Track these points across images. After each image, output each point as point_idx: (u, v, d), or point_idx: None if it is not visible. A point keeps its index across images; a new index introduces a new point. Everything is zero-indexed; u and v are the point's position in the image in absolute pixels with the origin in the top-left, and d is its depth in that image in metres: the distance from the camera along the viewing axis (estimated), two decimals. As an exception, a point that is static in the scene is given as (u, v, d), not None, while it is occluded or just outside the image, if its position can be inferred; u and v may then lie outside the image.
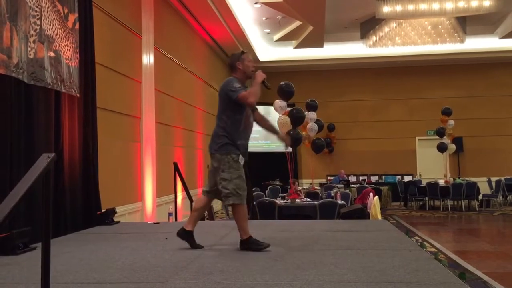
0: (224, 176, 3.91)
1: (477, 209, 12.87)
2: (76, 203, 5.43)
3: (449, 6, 10.99)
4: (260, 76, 4.07)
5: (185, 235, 4.08)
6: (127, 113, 7.35)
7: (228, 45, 13.11)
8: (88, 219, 5.60)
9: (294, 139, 7.95)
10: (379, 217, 6.96)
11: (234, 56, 4.18)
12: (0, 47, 4.11)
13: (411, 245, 4.18)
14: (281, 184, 12.22)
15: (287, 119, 7.88)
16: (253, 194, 8.31)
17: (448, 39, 13.21)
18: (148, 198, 7.78)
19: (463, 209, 12.74)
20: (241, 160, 3.98)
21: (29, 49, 4.55)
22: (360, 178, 15.34)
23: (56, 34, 5.06)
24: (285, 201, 7.64)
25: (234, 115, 4.00)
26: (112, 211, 5.93)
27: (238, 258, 3.66)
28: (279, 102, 8.02)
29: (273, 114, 9.64)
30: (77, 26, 5.52)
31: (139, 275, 3.14)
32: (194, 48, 11.59)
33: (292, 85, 8.10)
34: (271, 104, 8.99)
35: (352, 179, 15.04)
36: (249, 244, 3.90)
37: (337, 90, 16.05)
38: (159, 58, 8.73)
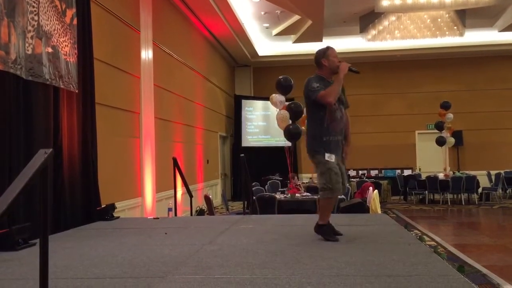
0: (318, 171, 4.09)
1: (476, 202, 12.89)
2: (76, 199, 5.44)
3: (448, -1, 10.96)
4: (342, 71, 4.04)
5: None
6: (126, 108, 7.34)
7: (227, 40, 13.09)
8: (87, 214, 5.61)
9: (293, 134, 7.93)
10: (379, 211, 6.97)
11: (319, 53, 4.14)
12: (-3, 43, 4.10)
13: (410, 238, 4.19)
14: (281, 178, 12.22)
15: (286, 114, 7.86)
16: (253, 188, 8.32)
17: (447, 33, 13.18)
18: (148, 194, 7.79)
19: (463, 203, 12.76)
20: (329, 157, 4.01)
21: (27, 45, 4.54)
22: (360, 172, 15.35)
23: (54, 30, 5.05)
24: (285, 195, 7.64)
25: (318, 113, 4.05)
26: (111, 207, 5.94)
27: (238, 252, 3.67)
28: (277, 97, 7.99)
29: (271, 108, 9.64)
30: (75, 21, 5.50)
31: (138, 270, 3.15)
32: (193, 43, 11.56)
33: (291, 79, 8.07)
34: (267, 99, 8.96)
35: (352, 173, 15.05)
36: (322, 230, 4.07)
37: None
38: (158, 53, 8.70)
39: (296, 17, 12.54)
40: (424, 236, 7.49)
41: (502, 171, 13.81)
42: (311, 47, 14.89)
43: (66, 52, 5.28)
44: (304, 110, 4.33)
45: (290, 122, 7.96)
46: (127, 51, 7.47)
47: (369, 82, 16.09)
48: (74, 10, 5.48)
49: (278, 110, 8.07)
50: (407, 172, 15.13)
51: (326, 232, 4.07)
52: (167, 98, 9.23)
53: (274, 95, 8.52)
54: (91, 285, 2.84)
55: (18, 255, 3.79)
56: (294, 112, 7.99)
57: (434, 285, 2.65)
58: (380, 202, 8.40)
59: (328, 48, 4.16)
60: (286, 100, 8.16)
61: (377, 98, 16.32)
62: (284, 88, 8.02)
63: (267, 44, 15.19)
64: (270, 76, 14.83)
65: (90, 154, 5.70)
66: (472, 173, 13.58)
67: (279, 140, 12.79)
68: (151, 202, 7.82)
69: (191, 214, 7.44)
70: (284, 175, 11.93)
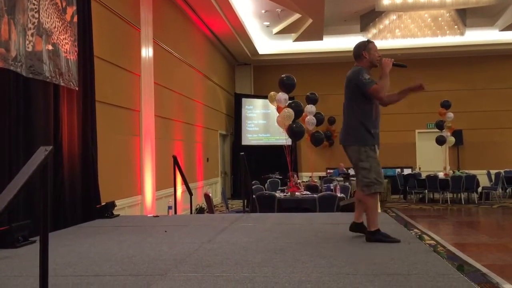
0: (363, 165, 3.87)
1: (476, 201, 12.89)
2: (76, 197, 5.44)
3: (449, -2, 10.96)
4: (387, 66, 3.97)
5: (358, 228, 4.09)
6: (126, 106, 7.34)
7: (227, 38, 13.08)
8: (87, 212, 5.61)
9: (296, 132, 7.96)
10: (379, 210, 6.96)
11: (360, 45, 4.09)
12: (-2, 40, 4.10)
13: (410, 237, 4.18)
14: (281, 177, 12.22)
15: (291, 112, 7.87)
16: (253, 187, 8.33)
17: (448, 32, 13.18)
18: (148, 192, 7.79)
19: (463, 202, 12.76)
20: (377, 149, 3.96)
21: (27, 42, 4.53)
22: (360, 171, 15.32)
23: (54, 27, 5.04)
24: (285, 194, 7.64)
25: (365, 105, 3.95)
26: (111, 205, 5.94)
27: (237, 251, 3.67)
28: (281, 95, 8.00)
29: (271, 107, 9.64)
30: (75, 19, 5.50)
31: (138, 268, 3.15)
32: (193, 41, 11.56)
33: (293, 77, 8.08)
34: (267, 97, 8.96)
35: (352, 172, 15.04)
36: (378, 236, 3.85)
37: (337, 83, 15.81)
38: (158, 51, 8.70)
39: (296, 16, 12.53)
40: (424, 235, 7.50)
41: (502, 171, 13.81)
42: (312, 46, 15.14)
43: (66, 49, 5.27)
44: (345, 100, 4.10)
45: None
46: (127, 48, 7.47)
47: (369, 81, 16.07)
48: (74, 7, 5.48)
49: (275, 108, 8.09)
50: (407, 171, 15.13)
51: (383, 235, 3.86)
52: (167, 96, 9.23)
53: (273, 92, 8.53)
54: (90, 282, 2.84)
55: (18, 252, 3.79)
56: (294, 111, 8.00)
57: (434, 284, 2.65)
58: (380, 201, 8.41)
59: (369, 41, 4.16)
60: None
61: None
62: (287, 86, 8.04)
63: (268, 42, 15.18)
64: (271, 75, 14.89)
65: (90, 151, 5.69)
66: (472, 172, 13.58)
67: (279, 138, 12.79)
68: (151, 200, 7.83)
69: (191, 212, 7.44)
70: (284, 174, 11.94)
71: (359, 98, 3.95)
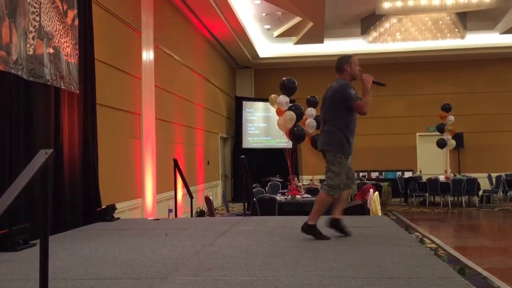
0: (334, 169, 4.21)
1: (477, 205, 12.87)
2: (76, 200, 5.43)
3: (449, 1, 10.96)
4: (367, 82, 4.30)
5: (334, 224, 4.35)
6: (127, 109, 7.34)
7: (228, 41, 13.10)
8: (88, 215, 5.60)
9: (297, 136, 7.96)
10: (379, 213, 6.96)
11: (343, 59, 4.40)
12: (-1, 44, 4.10)
13: (411, 241, 4.18)
14: (282, 180, 12.21)
15: (293, 115, 7.87)
16: (253, 190, 8.32)
17: (448, 35, 13.18)
18: (148, 195, 7.78)
19: (463, 205, 12.75)
20: (349, 159, 4.32)
21: (28, 45, 4.54)
22: (360, 174, 15.31)
23: (55, 31, 5.05)
24: (285, 197, 7.63)
25: (347, 116, 4.27)
26: (112, 208, 5.94)
27: (238, 254, 3.66)
28: (282, 97, 8.01)
29: (272, 110, 9.63)
30: (76, 22, 5.51)
31: (138, 271, 3.15)
32: (194, 45, 11.57)
33: (295, 80, 8.09)
34: (268, 100, 8.95)
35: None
36: (312, 230, 4.21)
37: (337, 87, 15.99)
38: (159, 54, 8.71)
39: (297, 19, 12.54)
40: (425, 239, 7.49)
41: (502, 174, 13.78)
42: (312, 49, 15.15)
43: (67, 52, 5.28)
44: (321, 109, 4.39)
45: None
46: (128, 52, 7.48)
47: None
48: (75, 11, 5.49)
49: (275, 110, 8.09)
50: (407, 174, 15.12)
51: (317, 232, 4.20)
52: (168, 99, 9.23)
53: (274, 95, 8.52)
54: (91, 286, 2.84)
55: (18, 255, 3.79)
56: (296, 114, 8.01)
57: (435, 288, 2.64)
58: (381, 204, 8.40)
59: (351, 56, 4.46)
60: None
61: (378, 100, 16.21)
62: (288, 89, 8.04)
63: (268, 45, 15.20)
64: (271, 78, 14.89)
65: (90, 154, 5.69)
66: (473, 175, 13.55)
67: (280, 141, 12.78)
68: (151, 203, 7.82)
69: (192, 215, 7.43)
70: (285, 177, 11.93)
71: (342, 109, 4.25)
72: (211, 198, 7.86)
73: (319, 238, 4.17)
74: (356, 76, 4.38)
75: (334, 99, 4.30)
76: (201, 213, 9.28)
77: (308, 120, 10.36)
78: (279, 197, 7.48)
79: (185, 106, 10.47)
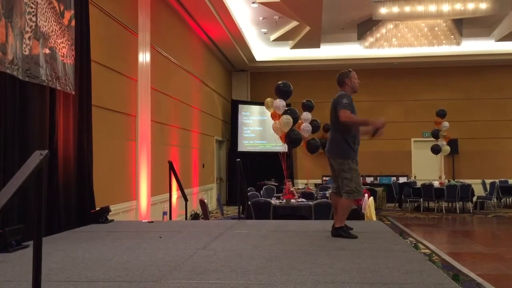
0: (346, 176, 4.55)
1: (471, 211, 12.91)
2: (70, 201, 5.41)
3: (445, 8, 11.01)
4: (375, 124, 4.54)
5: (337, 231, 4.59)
6: (123, 111, 7.32)
7: (224, 44, 13.11)
8: (82, 217, 5.58)
9: (293, 139, 7.97)
10: (374, 218, 6.97)
11: (343, 74, 4.82)
12: (-6, 43, 4.09)
13: (405, 246, 4.18)
14: (277, 184, 12.21)
15: (290, 119, 7.88)
16: (248, 193, 8.30)
17: (444, 41, 13.24)
18: (143, 197, 7.76)
19: (458, 211, 12.78)
20: (357, 163, 4.65)
21: (24, 45, 4.53)
22: (355, 179, 15.32)
23: (52, 31, 5.04)
24: (280, 201, 7.63)
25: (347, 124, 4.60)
26: (106, 210, 5.91)
27: (232, 258, 3.65)
28: (278, 101, 8.01)
29: (267, 113, 9.63)
30: (73, 23, 5.50)
31: (132, 274, 3.13)
32: (191, 47, 11.57)
33: (290, 84, 8.10)
34: (264, 104, 8.95)
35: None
36: (340, 232, 4.52)
37: (333, 91, 15.86)
38: (156, 56, 8.70)
39: (294, 23, 12.57)
40: (419, 244, 7.49)
41: (497, 180, 13.86)
42: (309, 53, 15.18)
43: (63, 53, 5.26)
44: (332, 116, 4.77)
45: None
46: (124, 53, 7.46)
47: (366, 89, 16.08)
48: (72, 11, 5.48)
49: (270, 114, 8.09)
50: (402, 180, 15.15)
51: (344, 231, 4.52)
52: (164, 101, 9.22)
53: (269, 99, 8.53)
54: (84, 288, 2.82)
55: (11, 257, 3.76)
56: (291, 118, 8.02)
57: (429, 294, 2.64)
58: (375, 209, 8.40)
59: (350, 70, 4.84)
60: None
61: (373, 105, 16.33)
62: (283, 93, 8.05)
63: (265, 49, 15.23)
64: (267, 81, 14.91)
65: (85, 156, 5.67)
66: (467, 181, 13.60)
67: (275, 145, 12.78)
68: (146, 206, 7.80)
69: (186, 218, 7.41)
70: (280, 181, 11.94)
71: None
72: (205, 201, 7.85)
73: (347, 237, 4.47)
74: (356, 89, 4.80)
75: (333, 108, 4.66)
76: (195, 216, 9.25)
77: (304, 124, 10.38)
78: (274, 201, 7.47)
79: (181, 109, 10.45)
